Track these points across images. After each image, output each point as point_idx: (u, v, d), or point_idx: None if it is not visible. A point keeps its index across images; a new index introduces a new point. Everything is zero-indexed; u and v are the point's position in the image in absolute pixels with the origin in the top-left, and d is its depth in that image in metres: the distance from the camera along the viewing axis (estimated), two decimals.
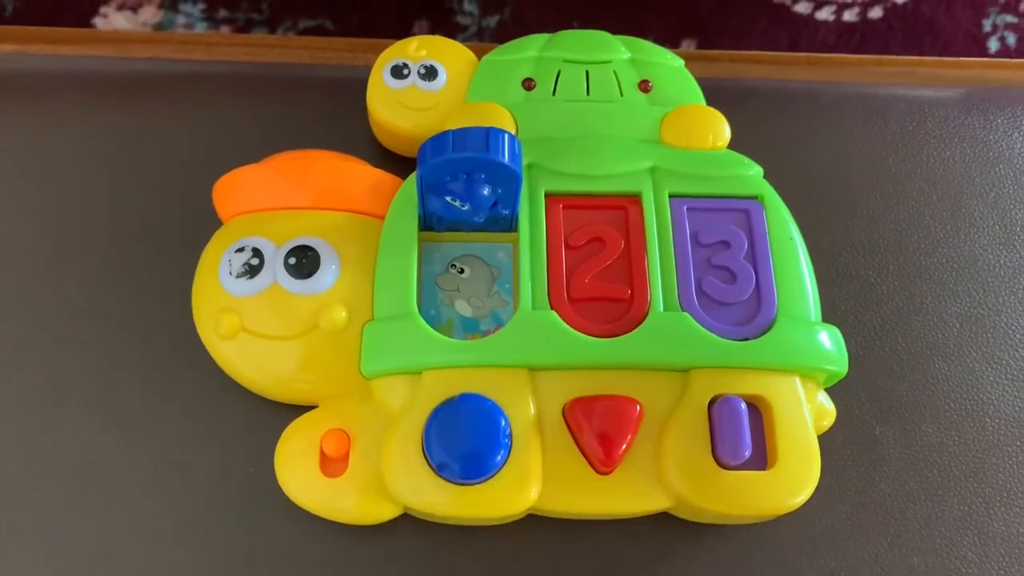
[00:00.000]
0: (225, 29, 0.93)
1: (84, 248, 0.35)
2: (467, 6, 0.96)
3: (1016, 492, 0.33)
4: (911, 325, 0.35)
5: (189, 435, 0.32)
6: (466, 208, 0.30)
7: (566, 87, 0.35)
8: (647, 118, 0.34)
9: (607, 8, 0.93)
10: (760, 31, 0.97)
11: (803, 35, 0.97)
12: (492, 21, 0.94)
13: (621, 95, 0.35)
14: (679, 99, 0.35)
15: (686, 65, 0.37)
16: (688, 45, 0.95)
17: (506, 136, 0.28)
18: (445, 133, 0.28)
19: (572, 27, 0.36)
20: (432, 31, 0.95)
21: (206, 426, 0.32)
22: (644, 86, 0.35)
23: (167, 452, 0.32)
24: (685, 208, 0.33)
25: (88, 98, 0.38)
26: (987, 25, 0.98)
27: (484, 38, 0.93)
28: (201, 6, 0.94)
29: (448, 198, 0.30)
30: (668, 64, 0.36)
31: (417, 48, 0.35)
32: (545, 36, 0.36)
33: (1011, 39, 0.97)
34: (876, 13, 0.98)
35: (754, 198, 0.33)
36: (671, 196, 0.33)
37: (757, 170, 0.34)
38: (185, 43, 0.40)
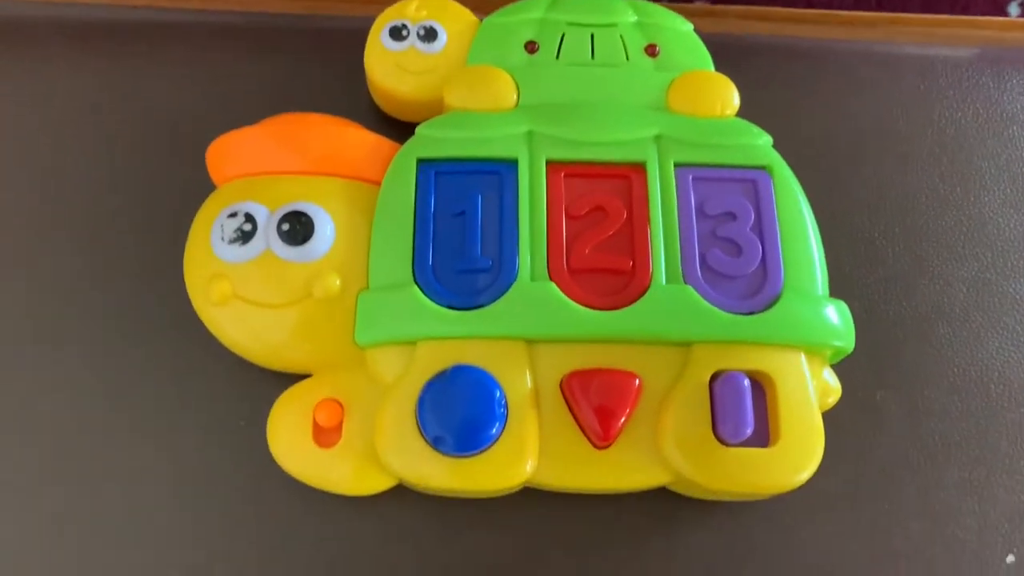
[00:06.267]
0: None
1: (71, 211, 0.34)
2: None
3: (1018, 459, 0.32)
4: (916, 289, 0.35)
5: (179, 402, 0.32)
6: None
7: (570, 50, 0.34)
8: (653, 84, 0.33)
9: None
10: None
11: None
12: None
13: (627, 59, 0.34)
14: (687, 64, 0.34)
15: (693, 20, 0.36)
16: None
17: None
18: None
19: None
20: None
21: (197, 393, 0.32)
22: (651, 50, 0.34)
23: (155, 418, 0.31)
24: (691, 178, 0.32)
25: (75, 51, 0.36)
26: None
27: None
28: None
29: None
30: (676, 28, 0.35)
31: (417, 8, 0.34)
32: None
33: None
34: None
35: (762, 168, 0.32)
36: (677, 165, 0.32)
37: (766, 139, 0.33)
38: None
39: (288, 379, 0.31)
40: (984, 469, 0.32)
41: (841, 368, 0.31)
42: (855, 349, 0.31)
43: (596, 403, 0.28)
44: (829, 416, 0.30)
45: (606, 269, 0.30)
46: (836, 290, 0.31)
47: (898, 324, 0.34)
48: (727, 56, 0.35)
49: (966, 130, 0.38)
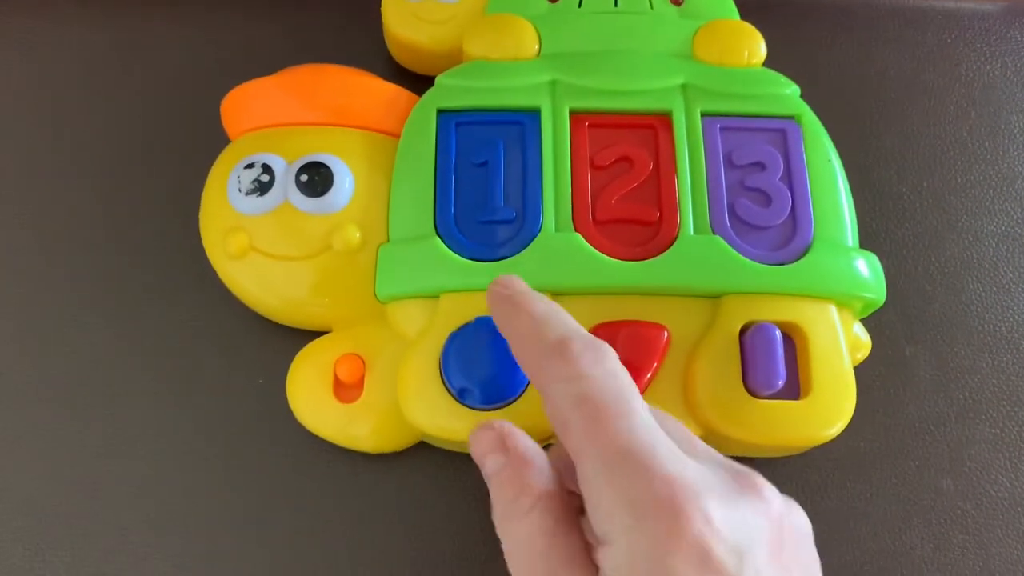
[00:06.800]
0: None
1: (85, 167, 0.34)
2: None
3: None
4: (945, 243, 0.34)
5: (197, 360, 0.31)
6: None
7: None
8: (678, 32, 0.32)
9: None
10: None
11: None
12: None
13: (651, 7, 0.33)
14: (712, 13, 0.33)
15: None
16: None
17: None
18: None
19: None
20: None
21: (214, 351, 0.31)
22: None
23: (174, 377, 0.31)
24: (718, 127, 0.31)
25: (87, 5, 0.36)
26: None
27: None
28: None
29: None
30: None
31: None
32: None
33: None
34: None
35: (791, 118, 0.31)
36: (703, 115, 0.31)
37: (794, 89, 0.32)
38: None
39: (307, 336, 0.30)
40: (1015, 426, 0.31)
41: (870, 323, 0.31)
42: (884, 304, 0.31)
43: (623, 356, 0.27)
44: (858, 371, 0.29)
45: (633, 220, 0.29)
46: (864, 245, 0.31)
47: (927, 279, 0.33)
48: (752, 7, 0.34)
49: (994, 84, 0.37)
